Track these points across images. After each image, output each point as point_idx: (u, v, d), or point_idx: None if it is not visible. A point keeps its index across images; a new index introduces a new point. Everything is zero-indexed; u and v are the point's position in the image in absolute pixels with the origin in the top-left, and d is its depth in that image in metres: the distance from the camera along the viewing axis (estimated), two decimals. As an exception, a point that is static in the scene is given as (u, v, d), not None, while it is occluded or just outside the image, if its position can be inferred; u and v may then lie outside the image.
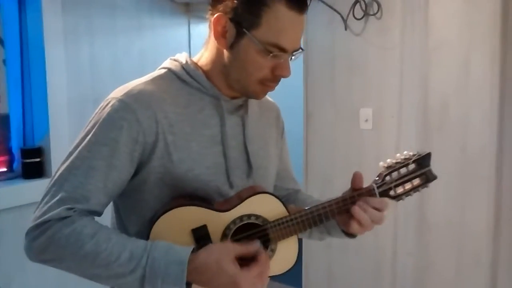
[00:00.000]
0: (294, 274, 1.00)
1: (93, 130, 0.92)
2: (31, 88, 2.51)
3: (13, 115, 2.50)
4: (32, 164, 2.43)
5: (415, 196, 1.08)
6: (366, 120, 2.44)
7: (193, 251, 0.88)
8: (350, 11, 2.36)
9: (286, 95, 2.16)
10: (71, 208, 0.88)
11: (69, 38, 2.49)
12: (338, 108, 2.55)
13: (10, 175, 2.45)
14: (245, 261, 0.91)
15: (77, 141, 0.94)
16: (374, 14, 2.31)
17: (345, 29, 2.41)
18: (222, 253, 0.88)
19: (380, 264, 2.51)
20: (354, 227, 1.01)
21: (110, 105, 0.93)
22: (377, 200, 1.00)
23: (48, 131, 2.46)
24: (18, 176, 2.46)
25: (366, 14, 2.32)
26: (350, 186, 1.06)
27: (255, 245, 0.92)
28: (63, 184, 0.89)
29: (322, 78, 2.59)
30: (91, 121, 0.95)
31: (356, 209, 0.99)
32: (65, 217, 0.87)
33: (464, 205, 2.20)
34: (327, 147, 2.62)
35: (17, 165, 2.49)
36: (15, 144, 2.51)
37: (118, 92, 0.96)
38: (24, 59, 2.51)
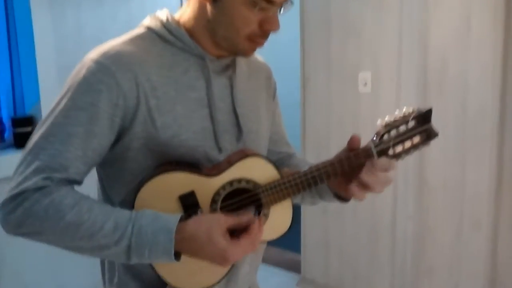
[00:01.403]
0: (292, 239, 0.96)
1: (69, 95, 0.86)
2: (19, 57, 2.45)
3: (2, 84, 2.45)
4: (24, 134, 2.39)
5: (414, 158, 1.04)
6: (365, 84, 2.39)
7: (182, 219, 0.84)
8: (347, -32, 2.27)
9: (282, 59, 2.10)
10: (48, 178, 0.83)
11: (54, 5, 2.42)
12: (335, 72, 2.50)
13: (2, 145, 2.42)
14: (237, 232, 0.87)
15: (52, 106, 0.88)
16: (372, -28, 2.23)
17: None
18: (213, 225, 0.84)
19: (378, 228, 2.50)
20: (355, 191, 0.96)
21: (86, 67, 0.87)
22: (382, 161, 0.95)
23: (38, 100, 2.41)
24: (10, 145, 2.43)
25: (363, -29, 2.23)
26: (343, 148, 1.01)
27: (247, 216, 0.88)
28: (38, 153, 0.84)
29: (319, 41, 2.52)
30: (66, 85, 0.89)
31: (364, 176, 0.94)
32: (42, 187, 0.82)
33: (464, 166, 2.17)
34: (324, 112, 2.58)
35: (8, 135, 2.45)
36: (5, 113, 2.47)
37: (95, 53, 0.89)
38: (10, 28, 2.44)
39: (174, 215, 0.84)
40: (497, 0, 1.97)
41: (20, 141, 2.38)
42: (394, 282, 2.50)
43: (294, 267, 3.06)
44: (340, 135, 2.53)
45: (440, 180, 2.25)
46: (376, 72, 2.36)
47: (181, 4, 2.89)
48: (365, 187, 0.95)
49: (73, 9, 2.48)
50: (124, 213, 0.84)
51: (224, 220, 0.85)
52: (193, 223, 0.84)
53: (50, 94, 2.41)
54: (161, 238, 0.81)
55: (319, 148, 2.63)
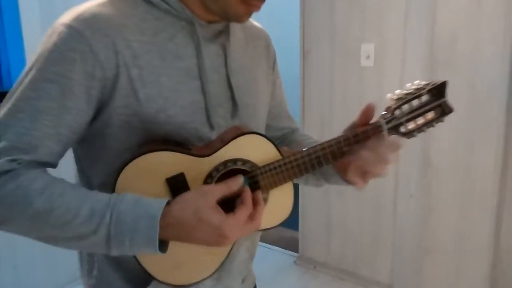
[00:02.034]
0: (291, 217, 0.87)
1: (38, 65, 0.75)
2: (4, 32, 2.34)
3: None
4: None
5: (419, 136, 0.94)
6: (368, 57, 2.28)
7: (168, 203, 0.74)
8: None
9: (280, 30, 1.98)
10: (15, 160, 0.72)
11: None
12: (337, 44, 2.38)
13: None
14: (231, 204, 0.77)
15: (20, 78, 0.77)
16: None
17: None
18: (199, 201, 0.73)
19: (381, 207, 2.43)
20: (353, 177, 0.86)
21: (57, 33, 0.76)
22: (390, 140, 0.85)
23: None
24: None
25: None
26: (352, 121, 0.90)
27: (237, 182, 0.78)
28: (4, 132, 0.73)
29: (320, 11, 2.40)
30: (36, 53, 0.77)
31: (365, 153, 0.83)
32: (8, 171, 0.72)
33: (471, 146, 2.10)
34: (325, 86, 2.47)
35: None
36: (-9, 88, 2.37)
37: (67, 16, 0.77)
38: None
39: (158, 200, 0.73)
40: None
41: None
42: (395, 261, 2.44)
43: (292, 245, 3.00)
44: (342, 111, 2.43)
45: (446, 160, 2.18)
46: (380, 44, 2.24)
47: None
48: (364, 169, 0.86)
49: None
50: (102, 197, 0.74)
51: (210, 191, 0.75)
52: (177, 204, 0.74)
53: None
54: (143, 226, 0.71)
55: (321, 126, 2.54)
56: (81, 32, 0.75)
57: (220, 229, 0.73)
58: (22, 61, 2.31)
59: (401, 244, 2.40)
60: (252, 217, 0.77)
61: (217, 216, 0.73)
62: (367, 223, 2.50)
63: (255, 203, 0.78)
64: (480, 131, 2.06)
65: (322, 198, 2.64)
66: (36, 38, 2.31)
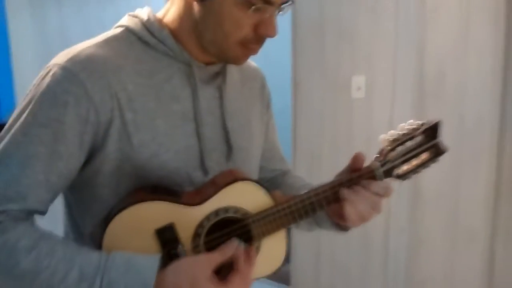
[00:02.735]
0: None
1: (30, 108, 0.73)
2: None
3: (-25, 90, 2.32)
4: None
5: (420, 173, 0.94)
6: (359, 88, 2.29)
7: (162, 268, 0.71)
8: (340, -32, 2.17)
9: (271, 63, 1.99)
10: (3, 211, 0.69)
11: (35, 7, 2.28)
12: (328, 76, 2.39)
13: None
14: (226, 267, 0.75)
15: (10, 121, 0.75)
16: (367, -28, 2.13)
17: (336, -11, 2.23)
18: (195, 272, 0.71)
19: (371, 239, 2.42)
20: (350, 214, 0.83)
21: (50, 74, 0.74)
22: (379, 184, 0.83)
23: (14, 106, 2.28)
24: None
25: (358, -28, 2.14)
26: (344, 167, 0.89)
27: (232, 247, 0.76)
28: None
29: (310, 43, 2.42)
30: (27, 95, 0.75)
31: (346, 192, 0.81)
32: None
33: (460, 178, 2.10)
34: (316, 118, 2.47)
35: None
36: (-22, 120, 2.33)
37: (62, 57, 0.76)
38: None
39: (150, 261, 0.71)
40: (497, 8, 1.90)
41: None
42: (387, 294, 2.41)
43: (283, 279, 2.96)
44: (332, 143, 2.43)
45: (435, 192, 2.18)
46: (370, 77, 2.26)
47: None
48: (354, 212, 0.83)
49: (55, 11, 2.35)
50: (92, 257, 0.70)
51: (207, 262, 0.73)
52: (173, 272, 0.71)
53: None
54: None
55: (311, 158, 2.53)
56: (75, 74, 0.73)
57: None
58: (11, 93, 2.28)
59: (393, 276, 2.37)
60: (243, 280, 0.75)
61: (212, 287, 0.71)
62: (358, 256, 2.48)
63: (248, 259, 0.76)
64: (469, 163, 2.07)
65: (312, 234, 2.61)
66: (27, 71, 2.29)
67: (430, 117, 0.93)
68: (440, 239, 2.20)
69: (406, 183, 2.36)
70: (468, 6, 1.96)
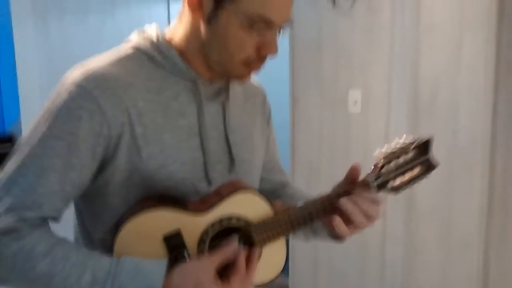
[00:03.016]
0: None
1: (47, 122, 0.78)
2: (-1, 73, 2.37)
3: (-20, 102, 2.36)
4: (3, 153, 2.29)
5: (412, 187, 0.99)
6: (355, 102, 2.35)
7: (169, 272, 0.76)
8: (338, -13, 2.24)
9: (270, 79, 2.04)
10: (21, 219, 0.74)
11: (38, 18, 2.34)
12: (325, 92, 2.45)
13: (-22, 164, 2.31)
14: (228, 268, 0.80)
15: (27, 134, 0.80)
16: (363, -9, 2.20)
17: (333, 6, 2.29)
18: (200, 274, 0.76)
19: (368, 250, 2.45)
20: (341, 227, 0.88)
21: (66, 91, 0.79)
22: (372, 195, 0.89)
23: (19, 118, 2.32)
24: (-13, 165, 2.32)
25: (355, -10, 2.20)
26: (341, 179, 0.94)
27: (232, 247, 0.80)
28: (10, 188, 0.75)
29: (308, 60, 2.49)
30: (44, 109, 0.81)
31: (344, 201, 0.86)
32: (13, 230, 0.74)
33: (454, 191, 2.15)
34: (314, 132, 2.53)
35: (-15, 154, 2.35)
36: (-17, 132, 2.37)
37: (77, 74, 0.81)
38: (-10, 42, 2.36)
39: (157, 266, 0.76)
40: (488, 28, 1.96)
41: (-2, 160, 2.29)
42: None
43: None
44: (330, 156, 2.48)
45: (429, 204, 2.22)
46: (367, 91, 2.32)
47: (169, 17, 2.84)
48: (346, 220, 0.88)
49: (57, 22, 2.41)
50: (103, 263, 0.75)
51: (210, 263, 0.78)
52: (178, 276, 0.76)
53: (32, 112, 2.32)
54: None
55: (309, 170, 2.58)
56: (90, 91, 0.78)
57: None
58: (15, 107, 2.32)
59: (389, 285, 2.40)
60: (243, 279, 0.80)
61: None
62: (356, 268, 2.51)
63: (249, 260, 0.81)
64: (462, 176, 2.11)
65: (312, 244, 2.65)
66: (31, 82, 2.34)
67: (425, 132, 0.98)
68: (435, 249, 2.24)
69: (401, 196, 2.41)
70: (460, 25, 2.03)
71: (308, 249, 2.67)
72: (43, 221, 0.78)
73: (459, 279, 2.20)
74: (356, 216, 0.87)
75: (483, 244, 2.13)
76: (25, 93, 2.33)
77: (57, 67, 2.38)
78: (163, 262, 0.76)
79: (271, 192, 1.11)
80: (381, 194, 0.92)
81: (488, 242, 2.13)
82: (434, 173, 2.24)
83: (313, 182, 2.49)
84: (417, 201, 2.25)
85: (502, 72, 2.00)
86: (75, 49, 2.45)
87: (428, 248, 2.26)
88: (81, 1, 2.49)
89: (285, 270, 2.85)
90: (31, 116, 2.27)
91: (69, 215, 0.90)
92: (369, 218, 0.89)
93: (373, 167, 0.93)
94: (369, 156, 0.95)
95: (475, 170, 2.08)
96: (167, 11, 2.84)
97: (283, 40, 0.88)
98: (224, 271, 0.80)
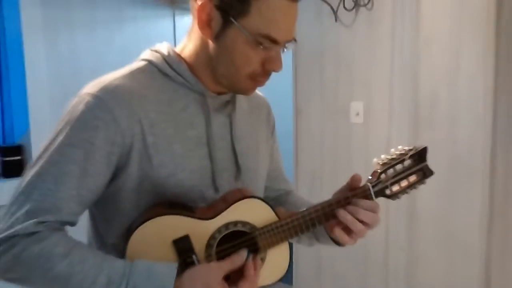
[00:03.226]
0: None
1: (65, 131, 0.83)
2: (9, 84, 2.42)
3: (-9, 112, 2.42)
4: (12, 162, 2.37)
5: (409, 194, 1.03)
6: (357, 114, 2.39)
7: (179, 275, 0.81)
8: (340, 1, 2.30)
9: (274, 91, 2.10)
10: (41, 222, 0.79)
11: (48, 32, 2.41)
12: (328, 103, 2.50)
13: (-10, 174, 2.38)
14: (234, 274, 0.85)
15: (46, 142, 0.85)
16: (365, 5, 2.25)
17: (335, 20, 2.35)
18: (208, 278, 0.81)
19: (371, 258, 2.48)
20: (340, 235, 0.93)
21: (83, 102, 0.84)
22: (368, 203, 0.93)
23: (28, 128, 2.38)
24: (-2, 174, 2.39)
25: (356, 5, 2.26)
26: (342, 186, 0.99)
27: (241, 257, 0.85)
28: (31, 193, 0.80)
29: (311, 72, 2.54)
30: (62, 120, 0.86)
31: (341, 212, 0.92)
32: (33, 233, 0.79)
33: (455, 199, 2.18)
34: (316, 142, 2.57)
35: (-4, 164, 2.41)
36: (-6, 142, 2.43)
37: (93, 87, 0.86)
38: (1, 54, 2.42)
39: (168, 268, 0.80)
40: (487, 39, 2.00)
41: (8, 170, 2.35)
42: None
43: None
44: (333, 166, 2.52)
45: (431, 212, 2.25)
46: (368, 102, 2.36)
47: (174, 31, 2.91)
48: (347, 228, 0.93)
49: (67, 36, 2.48)
50: (117, 265, 0.80)
51: (218, 269, 0.82)
52: (189, 279, 0.81)
53: (40, 123, 2.38)
54: None
55: (312, 179, 2.62)
56: (105, 102, 0.84)
57: None
58: (25, 118, 2.38)
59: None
60: (250, 286, 0.84)
61: None
62: (359, 276, 2.54)
63: (254, 269, 0.86)
64: (463, 184, 2.14)
65: (314, 249, 2.68)
66: (40, 96, 2.40)
67: (425, 141, 1.02)
68: (437, 256, 2.26)
69: (403, 203, 2.45)
70: (459, 37, 2.07)
71: (312, 255, 2.70)
72: (61, 225, 0.83)
73: (461, 286, 2.22)
74: (355, 225, 0.92)
75: (485, 251, 2.15)
76: (34, 105, 2.39)
77: (66, 79, 2.45)
78: (173, 265, 0.81)
79: (275, 200, 1.15)
80: (379, 200, 0.96)
81: (489, 249, 2.16)
82: (435, 181, 2.29)
83: (316, 191, 2.53)
84: (419, 208, 2.28)
85: (500, 81, 2.03)
86: (83, 63, 2.51)
87: (430, 255, 2.28)
88: (90, 16, 2.56)
89: (289, 276, 2.90)
90: (40, 127, 2.35)
91: (83, 221, 0.95)
92: (367, 225, 0.93)
93: (371, 174, 0.97)
94: (371, 166, 1.00)
95: (476, 178, 2.11)
96: (172, 25, 2.91)
97: (286, 53, 0.94)
98: (230, 278, 0.84)
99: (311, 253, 2.70)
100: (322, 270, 2.69)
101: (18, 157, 2.37)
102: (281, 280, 0.94)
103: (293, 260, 2.78)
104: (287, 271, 0.95)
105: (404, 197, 2.39)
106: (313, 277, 2.73)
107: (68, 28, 2.48)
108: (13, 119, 2.45)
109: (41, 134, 2.38)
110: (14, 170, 2.35)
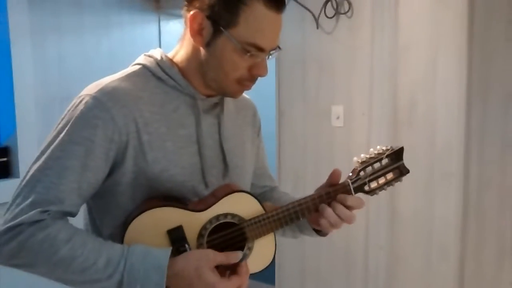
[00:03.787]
0: (267, 270, 1.01)
1: (66, 129, 0.89)
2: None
3: (-23, 114, 2.42)
4: (-1, 163, 2.37)
5: (386, 190, 1.10)
6: (338, 117, 2.47)
7: (171, 254, 0.87)
8: (321, 9, 2.37)
9: (258, 94, 2.17)
10: (45, 211, 0.85)
11: (36, 36, 2.44)
12: (309, 106, 2.57)
13: (-24, 175, 2.38)
14: (223, 268, 0.91)
15: (49, 139, 0.91)
16: (345, 13, 2.33)
17: (317, 27, 2.43)
18: (202, 261, 0.87)
19: (352, 257, 2.54)
20: (323, 224, 1.01)
21: (83, 102, 0.91)
22: (351, 198, 1.01)
23: (15, 130, 2.40)
24: (-16, 175, 2.39)
25: (337, 13, 2.34)
26: (324, 182, 1.06)
27: (236, 256, 0.92)
28: (35, 185, 0.86)
29: (294, 76, 2.61)
30: (63, 119, 0.92)
31: (324, 207, 1.00)
32: (38, 221, 0.84)
33: (432, 200, 2.25)
34: (299, 144, 2.64)
35: (-18, 166, 2.41)
36: (-20, 144, 2.43)
37: (92, 88, 0.93)
38: (-12, 58, 2.43)
39: (163, 251, 0.87)
40: (460, 46, 2.09)
41: (-5, 171, 2.36)
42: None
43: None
44: (314, 166, 2.59)
45: (410, 211, 2.31)
46: (348, 106, 2.44)
47: (159, 36, 2.97)
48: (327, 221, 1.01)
49: (54, 40, 2.50)
50: (116, 248, 0.87)
51: (212, 256, 0.89)
52: (183, 259, 0.87)
53: (27, 125, 2.41)
54: (153, 276, 0.84)
55: (295, 180, 2.68)
56: (104, 102, 0.90)
57: (213, 287, 0.87)
58: (12, 120, 2.39)
59: (373, 294, 2.49)
60: (241, 282, 0.91)
61: (213, 276, 0.87)
62: (341, 273, 2.60)
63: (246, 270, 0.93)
64: (440, 184, 2.22)
65: (297, 250, 2.74)
66: (27, 99, 2.42)
67: (404, 144, 1.10)
68: (416, 256, 2.32)
69: (384, 204, 2.52)
70: (435, 44, 2.15)
71: (295, 258, 2.76)
72: (63, 215, 0.89)
73: (438, 285, 2.30)
74: (332, 218, 1.00)
75: (459, 251, 2.24)
76: (21, 108, 2.40)
77: (53, 83, 2.48)
78: (168, 249, 0.88)
79: (261, 196, 1.22)
80: (359, 198, 1.03)
81: (464, 249, 2.24)
82: (414, 182, 2.38)
83: (299, 191, 2.58)
84: (399, 209, 2.35)
85: (474, 87, 2.12)
86: (70, 67, 2.54)
87: (410, 255, 2.35)
88: (77, 21, 2.59)
89: (272, 279, 2.94)
90: (26, 129, 2.38)
91: (80, 213, 1.00)
92: (343, 220, 1.01)
93: (351, 171, 1.05)
94: (352, 166, 1.08)
95: (452, 178, 2.19)
96: (158, 30, 2.96)
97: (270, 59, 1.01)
98: (220, 270, 0.90)
99: (294, 253, 2.76)
100: (306, 271, 2.74)
101: (5, 159, 2.38)
102: (267, 268, 1.01)
103: (276, 262, 2.84)
104: (270, 269, 1.02)
105: (384, 198, 2.50)
106: (297, 278, 2.78)
107: (55, 33, 2.51)
108: (0, 122, 2.46)
109: (28, 136, 2.41)
110: (1, 171, 2.36)
